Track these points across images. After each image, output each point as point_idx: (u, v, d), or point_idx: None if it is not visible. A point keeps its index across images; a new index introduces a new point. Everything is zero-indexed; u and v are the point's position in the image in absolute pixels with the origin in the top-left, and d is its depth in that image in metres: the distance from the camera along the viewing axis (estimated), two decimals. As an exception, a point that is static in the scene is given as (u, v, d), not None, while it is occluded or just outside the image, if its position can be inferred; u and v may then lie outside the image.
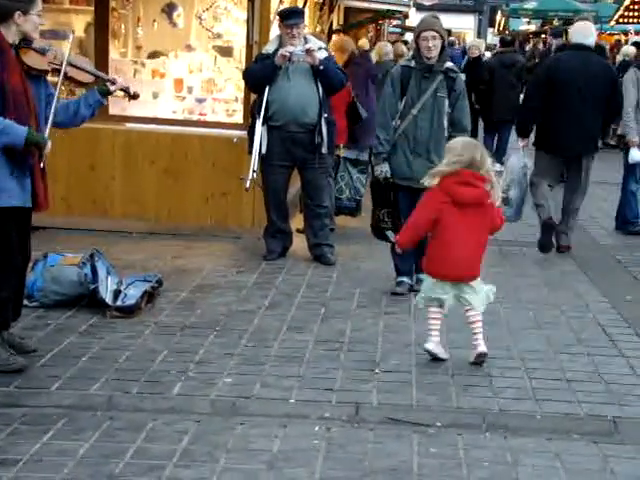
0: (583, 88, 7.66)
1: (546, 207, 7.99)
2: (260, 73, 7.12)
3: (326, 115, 7.17)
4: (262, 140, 7.06)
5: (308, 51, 7.02)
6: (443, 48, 6.40)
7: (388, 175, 6.44)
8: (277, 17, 7.49)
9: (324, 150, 7.24)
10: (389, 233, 6.58)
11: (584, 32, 8.02)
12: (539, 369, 5.20)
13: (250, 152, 7.19)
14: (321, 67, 7.07)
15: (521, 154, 8.07)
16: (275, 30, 8.30)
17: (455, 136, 6.41)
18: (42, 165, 4.65)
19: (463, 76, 9.19)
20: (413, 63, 6.48)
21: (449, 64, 6.47)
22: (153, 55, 8.77)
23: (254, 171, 7.05)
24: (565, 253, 8.04)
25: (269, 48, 7.24)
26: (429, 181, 5.22)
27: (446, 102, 6.38)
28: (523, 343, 5.64)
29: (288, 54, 6.98)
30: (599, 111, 7.81)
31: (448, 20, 6.83)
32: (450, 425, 4.42)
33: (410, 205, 6.55)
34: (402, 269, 6.64)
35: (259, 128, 7.05)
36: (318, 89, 7.16)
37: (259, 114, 7.06)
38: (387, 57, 11.58)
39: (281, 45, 7.11)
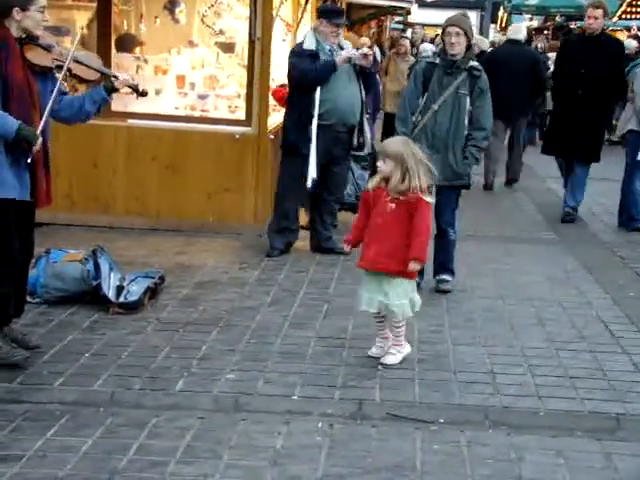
0: (513, 69, 10.92)
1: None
2: (322, 73, 7.18)
3: (367, 115, 7.54)
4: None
5: (365, 55, 7.24)
6: (469, 46, 6.40)
7: None
8: (319, 14, 7.58)
9: (367, 150, 7.51)
10: None
11: (516, 30, 12.19)
12: (542, 366, 5.19)
13: (284, 146, 7.36)
14: (371, 70, 7.47)
15: None
16: (278, 26, 8.31)
17: (472, 134, 6.43)
18: (29, 160, 4.62)
19: None
20: (438, 59, 6.49)
21: (473, 62, 6.45)
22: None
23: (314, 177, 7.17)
24: (566, 250, 8.07)
25: (309, 45, 7.28)
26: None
27: (467, 100, 6.36)
28: (525, 340, 5.64)
29: (351, 56, 7.17)
30: (527, 84, 11.23)
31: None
32: (453, 422, 4.42)
33: None
34: None
35: (315, 127, 7.13)
36: (361, 90, 7.39)
37: (313, 113, 7.12)
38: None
39: (319, 42, 7.24)
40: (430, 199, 5.06)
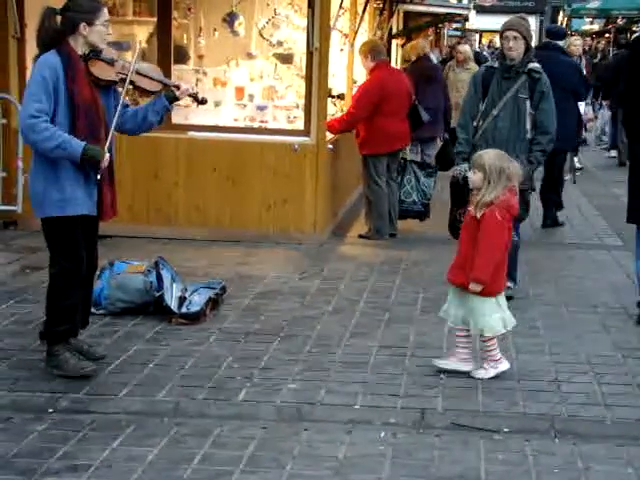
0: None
1: None
2: None
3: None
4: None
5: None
6: (528, 49, 6.34)
7: (467, 174, 6.39)
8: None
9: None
10: None
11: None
12: (608, 374, 5.10)
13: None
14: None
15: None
16: (335, 36, 8.34)
17: (537, 139, 6.35)
18: (98, 177, 4.70)
19: None
20: (497, 64, 6.45)
21: (533, 65, 6.36)
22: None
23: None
24: (630, 255, 7.90)
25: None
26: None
27: (528, 103, 6.30)
28: (590, 347, 5.55)
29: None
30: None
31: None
32: (517, 431, 4.36)
33: None
34: None
35: None
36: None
37: None
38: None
39: None
40: (500, 218, 4.86)
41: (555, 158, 8.87)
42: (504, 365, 5.04)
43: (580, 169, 12.63)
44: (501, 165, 4.91)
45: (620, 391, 4.86)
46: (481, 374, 4.99)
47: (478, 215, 4.89)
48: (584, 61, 13.15)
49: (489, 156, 4.99)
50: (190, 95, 5.13)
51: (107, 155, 4.66)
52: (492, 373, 5.01)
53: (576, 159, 12.70)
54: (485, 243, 4.86)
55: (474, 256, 4.87)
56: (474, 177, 4.95)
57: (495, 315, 4.96)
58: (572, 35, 23.11)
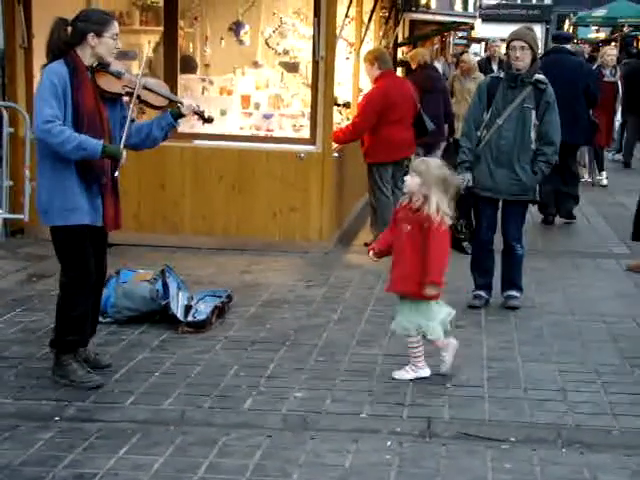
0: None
1: None
2: None
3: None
4: None
5: None
6: (534, 59, 6.34)
7: (470, 184, 6.39)
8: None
9: None
10: (465, 244, 6.52)
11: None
12: (615, 383, 5.09)
13: None
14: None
15: None
16: (341, 45, 8.35)
17: (542, 150, 6.35)
18: (116, 174, 4.73)
19: None
20: (502, 74, 6.45)
21: (539, 75, 6.36)
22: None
23: None
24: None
25: None
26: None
27: (533, 114, 6.29)
28: (598, 356, 5.53)
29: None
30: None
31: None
32: (524, 440, 4.35)
33: (490, 216, 6.52)
34: (480, 283, 6.60)
35: None
36: None
37: None
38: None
39: None
40: (447, 224, 4.94)
41: (568, 152, 9.27)
42: (425, 372, 5.08)
43: (604, 186, 12.66)
44: (442, 173, 4.95)
45: (628, 401, 4.84)
46: (400, 375, 5.05)
47: (409, 227, 4.94)
48: (619, 72, 13.06)
49: (430, 164, 5.02)
50: (196, 113, 5.12)
51: (125, 152, 4.70)
52: (411, 375, 5.05)
53: (605, 175, 12.74)
54: (436, 247, 4.91)
55: (426, 261, 4.89)
56: (411, 181, 4.97)
57: (437, 319, 5.03)
58: (579, 43, 23.12)
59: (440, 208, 4.89)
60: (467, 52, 15.14)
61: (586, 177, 12.62)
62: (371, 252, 5.29)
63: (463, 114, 10.65)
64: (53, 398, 4.66)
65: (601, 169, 12.93)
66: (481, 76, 11.85)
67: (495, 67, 12.91)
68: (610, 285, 7.29)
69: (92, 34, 4.67)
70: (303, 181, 8.05)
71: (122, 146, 4.71)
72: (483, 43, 24.11)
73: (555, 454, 4.23)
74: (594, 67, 12.45)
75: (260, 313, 6.29)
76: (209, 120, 5.22)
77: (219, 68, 9.00)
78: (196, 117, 5.25)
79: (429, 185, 4.90)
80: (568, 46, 10.34)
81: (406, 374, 5.07)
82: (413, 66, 10.73)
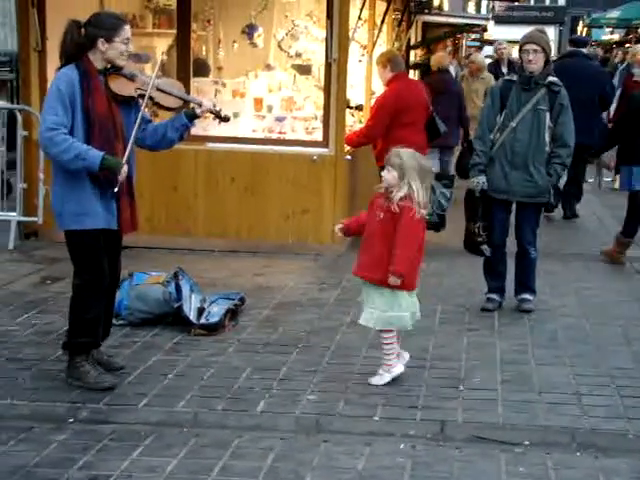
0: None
1: None
2: None
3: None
4: None
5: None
6: (547, 62, 6.33)
7: (485, 187, 6.38)
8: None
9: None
10: (484, 247, 6.49)
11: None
12: (630, 387, 5.06)
13: None
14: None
15: None
16: (354, 48, 8.35)
17: (557, 152, 6.33)
18: (115, 189, 4.70)
19: None
20: (515, 77, 6.44)
21: (552, 78, 6.35)
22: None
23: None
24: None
25: None
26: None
27: (547, 116, 6.28)
28: (612, 360, 5.51)
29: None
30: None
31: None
32: (538, 444, 4.33)
33: (504, 219, 6.50)
34: (493, 286, 6.59)
35: None
36: None
37: None
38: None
39: None
40: (422, 214, 4.89)
41: (578, 153, 8.94)
42: (398, 369, 5.03)
43: (615, 189, 12.59)
44: (418, 163, 4.91)
45: (642, 404, 4.83)
46: (376, 380, 5.00)
47: (397, 209, 4.84)
48: None
49: (403, 156, 4.93)
50: (212, 112, 5.08)
51: (125, 167, 4.67)
52: (387, 379, 5.00)
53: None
54: (404, 236, 4.84)
55: (393, 250, 4.82)
56: (388, 175, 4.92)
57: (407, 311, 4.96)
58: (592, 44, 23.02)
59: (419, 198, 4.85)
60: (473, 53, 15.02)
61: (609, 179, 12.53)
62: (338, 226, 5.22)
63: (470, 115, 10.90)
64: (67, 400, 4.67)
65: (617, 172, 12.82)
66: (489, 76, 11.95)
67: (505, 69, 12.83)
68: (624, 288, 7.26)
69: (102, 39, 4.67)
70: (316, 183, 8.05)
71: (124, 160, 4.67)
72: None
73: (569, 458, 4.21)
74: (623, 66, 12.57)
75: (273, 316, 6.29)
76: (225, 119, 5.19)
77: (232, 71, 9.01)
78: (212, 116, 5.24)
79: (407, 176, 4.85)
80: (584, 50, 10.47)
81: (381, 379, 5.01)
82: (433, 69, 10.99)
